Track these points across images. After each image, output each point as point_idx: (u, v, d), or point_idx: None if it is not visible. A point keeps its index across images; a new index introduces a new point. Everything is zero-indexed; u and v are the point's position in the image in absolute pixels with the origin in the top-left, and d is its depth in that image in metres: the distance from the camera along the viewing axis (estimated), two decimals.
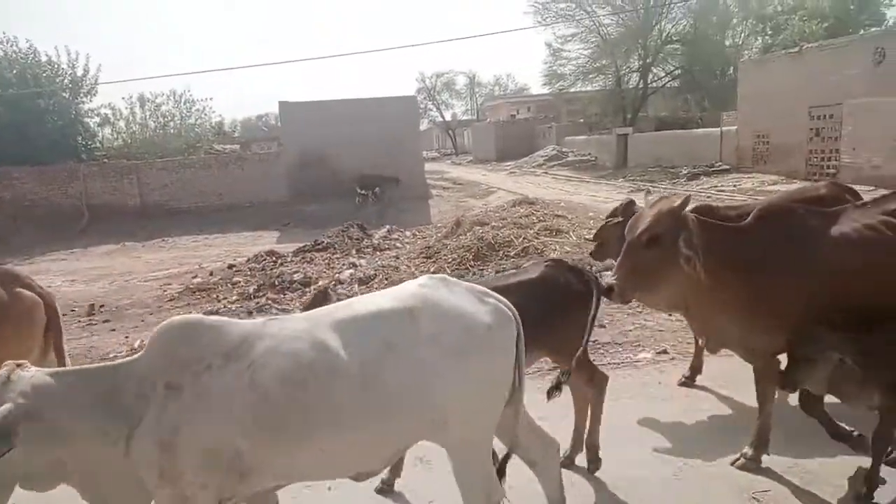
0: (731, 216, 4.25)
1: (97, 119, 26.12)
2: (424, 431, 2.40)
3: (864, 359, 2.97)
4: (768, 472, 3.46)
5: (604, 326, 6.25)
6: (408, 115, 23.25)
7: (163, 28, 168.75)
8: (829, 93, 16.94)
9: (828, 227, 3.37)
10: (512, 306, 2.56)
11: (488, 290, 2.59)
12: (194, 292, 9.69)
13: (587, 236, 11.30)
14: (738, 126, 21.31)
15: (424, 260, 9.91)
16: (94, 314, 8.93)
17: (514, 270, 5.49)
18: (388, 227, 14.11)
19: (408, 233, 13.93)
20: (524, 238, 10.06)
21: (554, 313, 3.37)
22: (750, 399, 3.65)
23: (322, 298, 4.86)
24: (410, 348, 2.30)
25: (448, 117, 58.12)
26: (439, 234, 12.21)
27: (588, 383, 3.57)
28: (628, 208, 4.78)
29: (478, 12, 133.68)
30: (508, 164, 34.98)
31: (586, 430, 3.62)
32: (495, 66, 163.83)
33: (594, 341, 5.82)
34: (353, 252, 11.57)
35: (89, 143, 25.45)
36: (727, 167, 20.73)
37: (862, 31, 23.90)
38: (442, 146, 61.20)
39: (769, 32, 30.77)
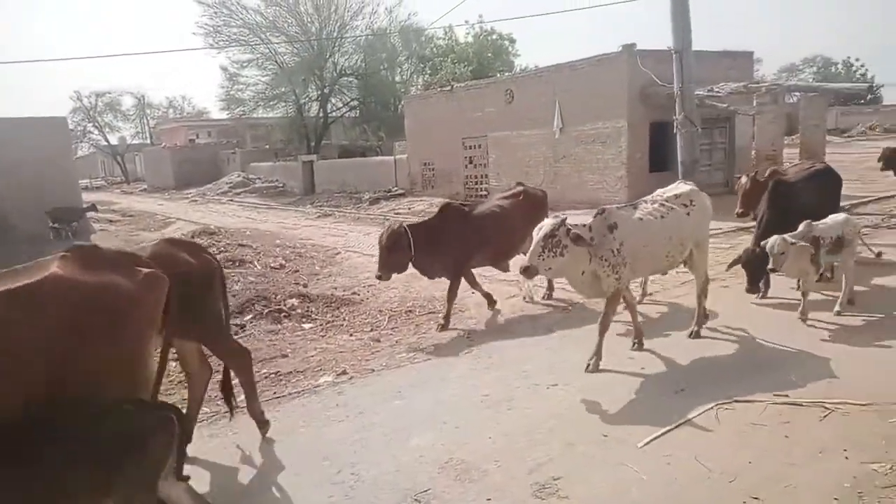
0: None
1: None
2: None
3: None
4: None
5: (286, 356, 6.21)
6: (57, 138, 19.92)
7: None
8: (476, 126, 19.89)
9: None
10: None
11: None
12: None
13: (272, 265, 11.23)
14: (408, 155, 23.56)
15: None
16: None
17: None
18: None
19: None
20: None
21: None
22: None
23: None
24: None
25: (115, 141, 51.87)
26: None
27: None
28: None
29: (144, 30, 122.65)
30: (190, 191, 32.78)
31: None
32: (168, 88, 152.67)
33: (276, 373, 5.76)
34: None
35: None
36: (402, 191, 22.78)
37: (497, 75, 28.66)
38: (110, 173, 54.27)
39: (429, 72, 34.83)
